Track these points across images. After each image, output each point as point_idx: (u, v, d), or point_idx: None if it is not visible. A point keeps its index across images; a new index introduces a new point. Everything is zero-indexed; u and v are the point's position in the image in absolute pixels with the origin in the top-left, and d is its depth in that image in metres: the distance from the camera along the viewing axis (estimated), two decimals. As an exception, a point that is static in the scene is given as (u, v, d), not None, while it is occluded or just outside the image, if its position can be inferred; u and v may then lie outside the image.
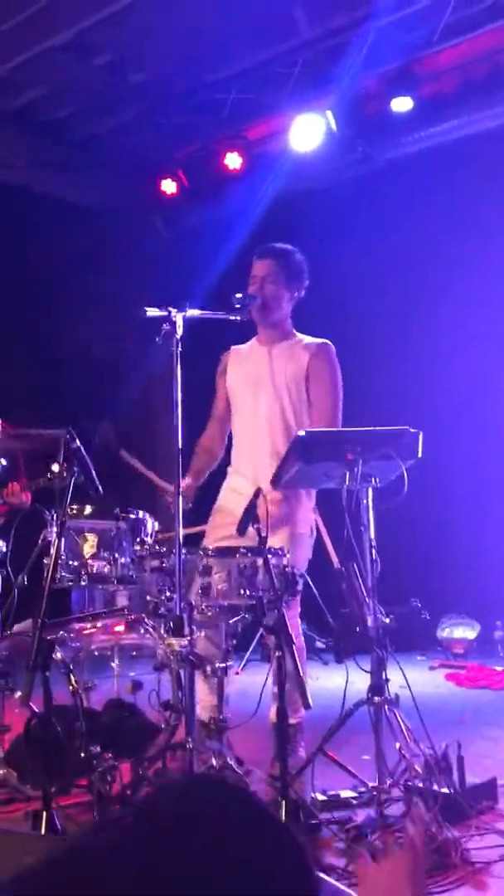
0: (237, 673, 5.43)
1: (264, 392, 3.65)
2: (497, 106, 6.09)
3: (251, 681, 4.18)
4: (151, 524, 3.17)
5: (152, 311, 2.96)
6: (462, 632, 6.39)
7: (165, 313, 2.95)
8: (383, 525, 3.09)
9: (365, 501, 3.06)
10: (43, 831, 2.58)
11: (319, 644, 6.38)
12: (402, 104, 6.25)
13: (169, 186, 7.40)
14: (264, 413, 3.63)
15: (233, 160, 6.98)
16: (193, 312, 3.05)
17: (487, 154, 6.23)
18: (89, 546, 2.98)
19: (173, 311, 2.94)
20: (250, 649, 5.74)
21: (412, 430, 3.06)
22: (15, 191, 7.24)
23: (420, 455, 3.07)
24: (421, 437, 3.07)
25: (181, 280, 6.39)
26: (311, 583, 5.26)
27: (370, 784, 2.96)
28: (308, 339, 3.72)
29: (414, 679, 3.20)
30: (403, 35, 5.91)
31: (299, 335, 3.75)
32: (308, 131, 6.45)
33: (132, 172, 7.61)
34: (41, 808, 2.63)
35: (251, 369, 3.72)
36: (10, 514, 4.51)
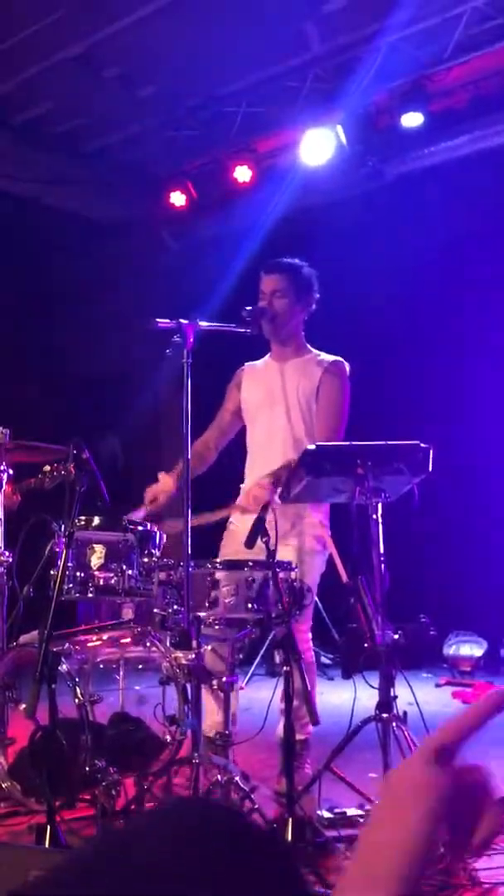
0: (242, 688, 5.40)
1: (278, 408, 3.64)
2: (507, 122, 6.11)
3: (256, 696, 4.15)
4: (160, 536, 3.15)
5: (163, 323, 2.96)
6: (469, 649, 6.35)
7: (175, 325, 2.94)
8: (392, 541, 3.07)
9: (375, 516, 3.03)
10: (47, 845, 2.56)
11: (325, 660, 6.35)
12: (412, 119, 6.27)
13: (178, 199, 7.42)
14: (278, 429, 3.62)
15: (242, 173, 7.00)
16: (204, 324, 3.04)
17: (498, 169, 6.24)
18: (97, 558, 2.96)
19: (184, 322, 2.93)
20: (255, 664, 5.71)
21: (423, 445, 3.05)
22: (24, 203, 7.27)
23: (430, 470, 3.06)
24: (431, 452, 3.05)
25: (190, 293, 6.39)
26: (317, 598, 5.24)
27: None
28: (323, 355, 3.70)
29: (420, 696, 3.17)
30: (414, 51, 5.94)
31: (314, 351, 3.74)
32: (318, 146, 6.47)
33: (141, 185, 7.65)
34: (45, 821, 2.61)
35: (265, 385, 3.71)
36: (12, 515, 4.49)
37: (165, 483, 3.54)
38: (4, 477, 3.43)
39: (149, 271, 7.63)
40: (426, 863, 0.70)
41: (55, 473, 3.78)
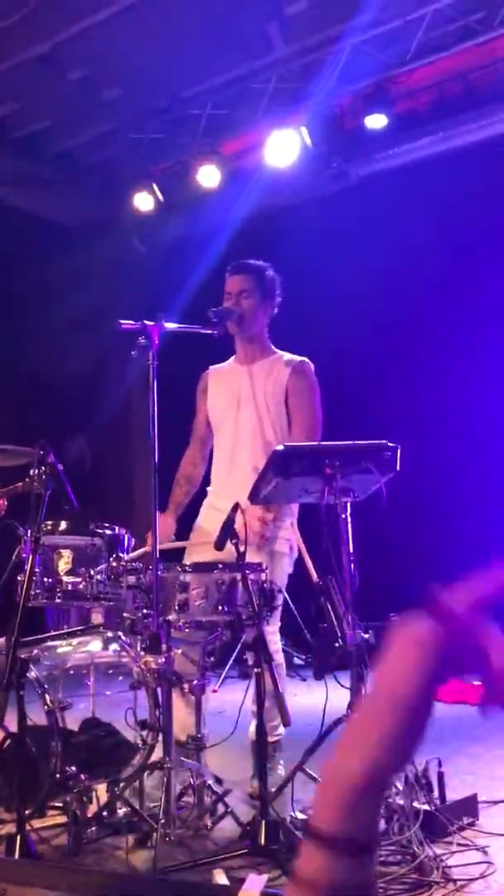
0: (214, 691, 5.38)
1: (245, 410, 3.63)
2: (470, 123, 6.17)
3: (229, 699, 4.14)
4: (128, 540, 3.13)
5: (128, 324, 2.94)
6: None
7: (140, 326, 2.93)
8: (362, 540, 3.07)
9: (344, 515, 3.04)
10: (17, 855, 2.52)
11: (298, 661, 6.34)
12: (376, 121, 6.31)
13: (144, 201, 7.39)
14: (245, 431, 3.62)
15: (208, 175, 6.98)
16: (170, 326, 3.03)
17: (461, 170, 6.29)
18: (64, 562, 2.93)
19: (149, 323, 2.92)
20: (227, 666, 5.68)
21: (391, 444, 3.05)
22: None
23: (399, 469, 3.06)
24: (399, 450, 3.06)
25: (157, 295, 6.37)
26: (288, 599, 5.23)
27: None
28: (288, 356, 3.71)
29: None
30: (377, 53, 5.97)
31: (279, 352, 3.74)
32: (283, 147, 6.49)
33: (107, 187, 7.61)
34: (15, 831, 2.57)
35: (232, 388, 3.71)
36: None
37: (165, 527, 3.53)
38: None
39: (116, 273, 7.60)
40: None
41: (43, 477, 3.76)
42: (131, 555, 3.18)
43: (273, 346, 3.77)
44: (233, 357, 3.82)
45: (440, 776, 2.92)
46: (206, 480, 3.80)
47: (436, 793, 2.87)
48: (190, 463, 3.82)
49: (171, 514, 3.64)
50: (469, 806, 3.00)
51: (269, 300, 3.70)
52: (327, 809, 0.72)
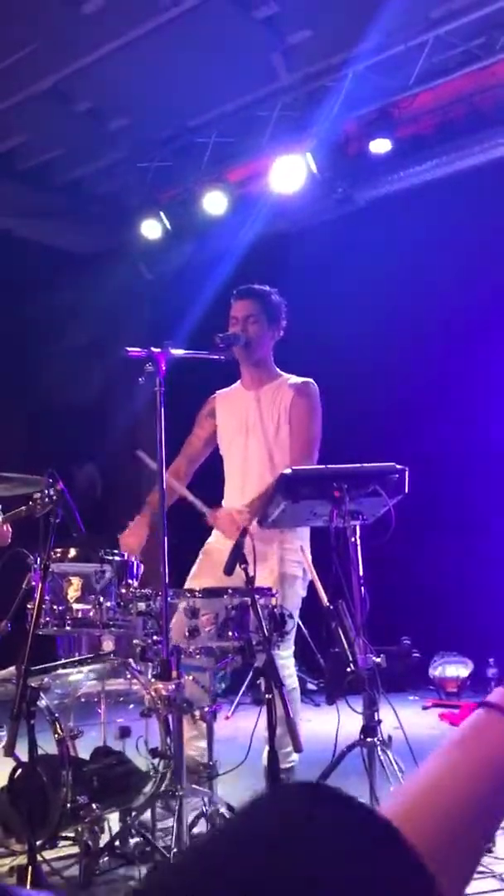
0: (227, 717, 5.34)
1: (253, 436, 3.66)
2: (474, 146, 6.20)
3: (242, 725, 4.10)
4: (137, 567, 3.12)
5: (134, 352, 2.96)
6: (455, 670, 6.32)
7: (147, 354, 2.94)
8: (373, 563, 3.06)
9: (353, 539, 3.03)
10: (28, 886, 2.50)
11: (311, 686, 6.30)
12: (380, 146, 6.36)
13: (151, 229, 7.45)
14: (254, 456, 3.64)
15: (214, 202, 7.04)
16: (176, 352, 3.04)
17: (466, 193, 6.32)
18: (74, 590, 2.93)
19: (155, 350, 2.94)
20: (240, 693, 5.65)
21: (399, 467, 3.05)
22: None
23: (407, 491, 3.06)
24: (408, 473, 3.06)
25: (164, 321, 6.41)
26: (301, 624, 5.20)
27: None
28: (293, 378, 3.73)
29: (407, 719, 3.15)
30: (381, 79, 6.03)
31: (284, 374, 3.76)
32: (289, 173, 6.54)
33: (115, 216, 7.68)
34: (26, 861, 2.55)
35: (239, 414, 3.73)
36: None
37: (136, 531, 3.55)
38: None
39: (124, 301, 7.65)
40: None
41: (46, 500, 3.77)
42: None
43: (278, 370, 3.79)
44: (239, 381, 3.83)
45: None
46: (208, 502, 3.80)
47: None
48: (174, 474, 3.79)
49: (143, 520, 3.61)
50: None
51: (274, 324, 3.73)
52: None
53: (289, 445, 3.62)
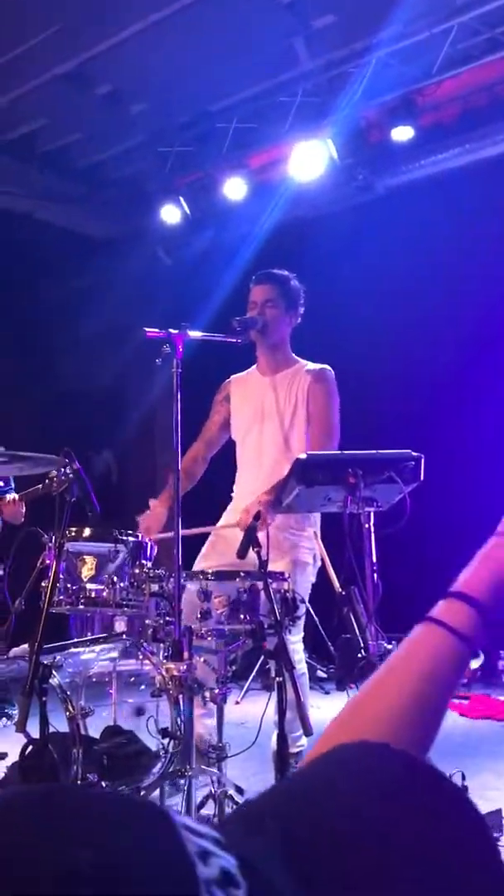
0: (237, 702, 5.37)
1: (269, 421, 3.65)
2: (497, 134, 6.16)
3: (251, 710, 4.12)
4: (151, 548, 3.14)
5: (152, 333, 2.96)
6: (465, 661, 6.31)
7: (165, 335, 2.94)
8: (386, 550, 3.06)
9: (367, 525, 3.02)
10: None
11: (321, 673, 6.31)
12: (402, 133, 6.31)
13: (171, 214, 7.45)
14: (270, 442, 3.63)
15: (234, 188, 7.02)
16: (194, 334, 3.04)
17: (488, 182, 6.27)
18: (88, 569, 2.94)
19: (173, 332, 2.94)
20: (250, 678, 5.67)
21: (415, 454, 3.04)
22: (17, 219, 7.30)
23: (422, 479, 3.05)
24: (423, 460, 3.04)
25: (183, 307, 6.40)
26: (311, 611, 5.21)
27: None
28: (310, 364, 3.72)
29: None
30: (403, 66, 5.99)
31: (301, 361, 3.75)
32: (309, 160, 6.51)
33: (134, 201, 7.68)
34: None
35: (255, 399, 3.72)
36: (4, 528, 4.52)
37: (157, 512, 3.53)
38: (-5, 489, 3.42)
39: (143, 286, 7.65)
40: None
41: (62, 479, 3.82)
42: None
43: (295, 356, 3.78)
44: (255, 366, 3.83)
45: (464, 789, 2.88)
46: (223, 487, 3.81)
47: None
48: (191, 459, 3.81)
49: (164, 503, 3.57)
50: (493, 821, 2.96)
51: (292, 310, 3.72)
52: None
53: (307, 432, 3.61)
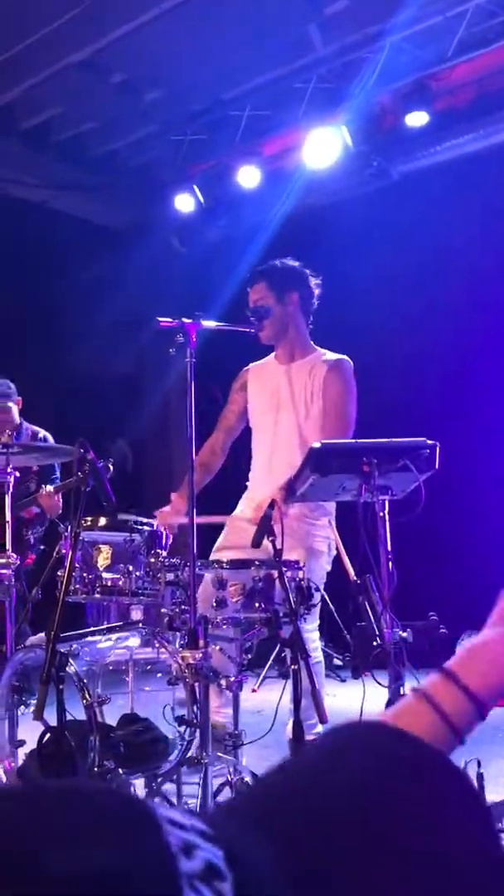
0: (254, 690, 5.39)
1: (284, 410, 3.63)
2: (512, 119, 6.10)
3: (268, 698, 4.14)
4: (166, 537, 3.15)
5: (166, 322, 2.96)
6: (482, 649, 6.29)
7: (178, 324, 2.94)
8: (402, 539, 3.05)
9: (381, 514, 3.02)
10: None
11: (337, 661, 6.32)
12: (417, 119, 6.27)
13: (184, 203, 7.43)
14: (284, 432, 3.62)
15: (248, 176, 7.00)
16: (207, 324, 3.04)
17: (503, 167, 6.22)
18: (103, 558, 2.96)
19: (186, 321, 2.94)
20: (267, 666, 5.69)
21: (429, 442, 3.03)
22: (31, 208, 7.31)
23: (437, 467, 3.04)
24: (438, 448, 3.03)
25: (197, 296, 6.39)
26: (328, 599, 5.22)
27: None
28: (329, 354, 3.69)
29: (433, 696, 3.14)
30: (418, 50, 5.94)
31: (319, 350, 3.72)
32: (323, 147, 6.47)
33: (148, 189, 7.67)
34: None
35: (271, 387, 3.71)
36: (40, 518, 4.57)
37: (177, 507, 3.53)
38: (11, 480, 3.44)
39: (156, 275, 7.65)
40: None
41: (83, 473, 3.87)
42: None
43: (313, 344, 3.75)
44: (273, 354, 3.81)
45: (479, 777, 2.88)
46: (239, 475, 3.81)
47: (475, 794, 2.84)
48: (209, 450, 3.81)
49: (183, 496, 3.59)
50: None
51: (286, 295, 3.65)
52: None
53: (322, 423, 3.59)
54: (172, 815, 0.41)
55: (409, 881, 0.46)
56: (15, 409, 5.05)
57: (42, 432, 5.12)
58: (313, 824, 0.47)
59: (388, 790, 0.50)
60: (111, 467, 3.66)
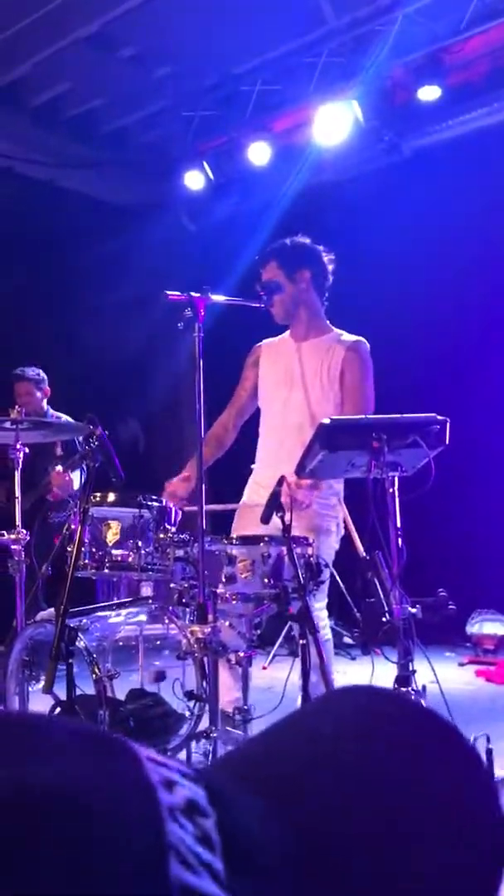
0: (264, 668, 5.41)
1: (295, 388, 3.60)
2: (527, 93, 6.01)
3: (278, 675, 4.15)
4: (175, 513, 3.15)
5: (174, 296, 2.94)
6: (492, 627, 6.30)
7: (187, 298, 2.92)
8: (412, 517, 3.04)
9: (391, 490, 3.00)
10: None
11: (347, 639, 6.34)
12: (429, 93, 6.19)
13: (194, 180, 7.38)
14: (295, 411, 3.59)
15: (258, 153, 6.94)
16: (216, 298, 3.02)
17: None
18: (112, 534, 2.96)
19: (195, 295, 2.92)
20: (277, 644, 5.71)
21: (440, 418, 3.01)
22: (41, 186, 7.28)
23: (448, 443, 3.02)
24: (449, 424, 3.01)
25: (208, 273, 6.35)
26: (337, 577, 5.22)
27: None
28: (345, 335, 3.66)
29: (443, 674, 3.15)
30: (430, 23, 5.85)
31: (335, 330, 3.69)
32: (334, 122, 6.41)
33: (158, 166, 7.62)
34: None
35: (282, 365, 3.68)
36: (61, 499, 4.61)
37: (184, 478, 3.53)
38: (21, 455, 3.44)
39: (166, 252, 7.61)
40: None
41: (91, 445, 3.90)
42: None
43: (328, 323, 3.72)
44: (287, 331, 3.78)
45: (489, 753, 2.89)
46: (252, 458, 3.80)
47: (484, 769, 2.85)
48: (222, 427, 3.79)
49: (192, 467, 3.55)
50: (517, 784, 2.97)
51: (296, 273, 3.61)
52: None
53: (342, 405, 3.55)
54: (152, 753, 0.41)
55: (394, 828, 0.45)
56: (39, 396, 5.20)
57: (65, 419, 5.21)
58: (293, 774, 0.46)
59: (367, 735, 0.49)
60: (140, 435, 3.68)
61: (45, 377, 5.40)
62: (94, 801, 0.35)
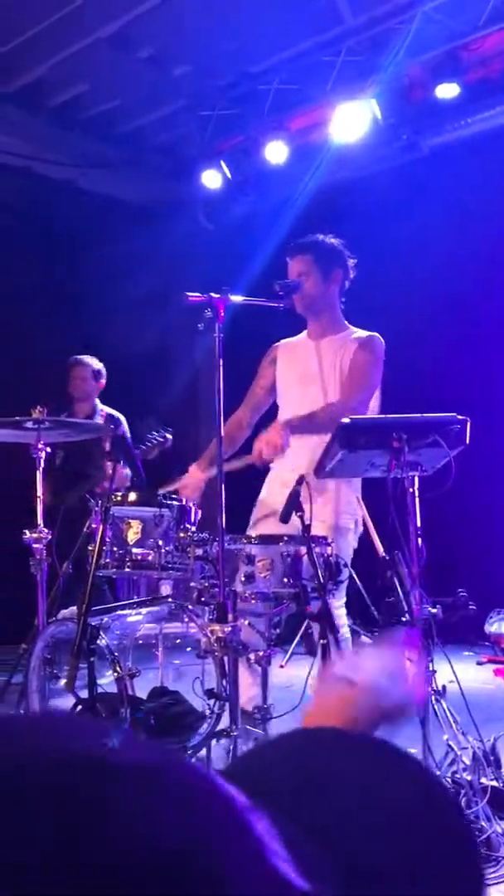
0: (282, 666, 5.41)
1: (314, 387, 3.61)
2: (545, 90, 5.98)
3: (296, 674, 4.15)
4: (195, 513, 3.16)
5: (194, 297, 2.95)
6: (511, 627, 6.28)
7: (206, 299, 2.93)
8: (431, 517, 3.03)
9: (411, 489, 3.00)
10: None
11: (365, 639, 6.33)
12: (447, 90, 6.17)
13: (212, 179, 7.39)
14: (312, 405, 3.59)
15: (276, 152, 6.94)
16: (236, 298, 3.02)
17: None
18: (133, 533, 2.98)
19: (214, 296, 2.93)
20: (295, 642, 5.71)
21: (460, 417, 3.00)
22: (60, 186, 7.31)
23: (468, 442, 3.01)
24: (469, 424, 3.01)
25: (226, 272, 6.36)
26: (356, 577, 5.21)
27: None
28: (359, 332, 3.66)
29: (462, 674, 3.15)
30: (448, 20, 5.83)
31: (351, 327, 3.69)
32: (352, 120, 6.39)
33: (175, 165, 7.63)
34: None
35: (300, 363, 3.69)
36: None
37: (194, 475, 3.55)
38: (43, 455, 3.46)
39: (184, 251, 7.63)
40: None
41: (156, 441, 3.93)
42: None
43: (345, 321, 3.72)
44: (305, 331, 3.79)
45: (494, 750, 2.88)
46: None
47: (504, 769, 2.85)
48: (236, 424, 3.80)
49: (203, 466, 3.59)
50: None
51: (332, 272, 3.64)
52: None
53: (340, 390, 3.55)
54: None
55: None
56: (93, 385, 5.46)
57: (116, 415, 5.31)
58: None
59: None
60: (168, 437, 3.73)
61: (105, 372, 5.62)
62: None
